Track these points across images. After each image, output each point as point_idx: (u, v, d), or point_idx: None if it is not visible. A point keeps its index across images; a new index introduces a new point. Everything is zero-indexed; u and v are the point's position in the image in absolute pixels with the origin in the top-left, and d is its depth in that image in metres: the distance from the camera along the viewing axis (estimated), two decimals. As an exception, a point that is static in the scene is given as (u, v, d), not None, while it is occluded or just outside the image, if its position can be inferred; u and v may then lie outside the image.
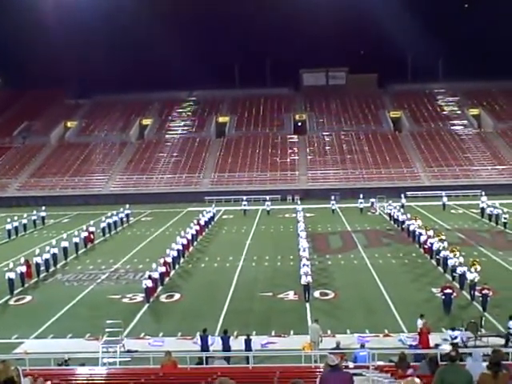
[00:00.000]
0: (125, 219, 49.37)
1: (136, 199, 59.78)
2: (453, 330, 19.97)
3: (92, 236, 41.27)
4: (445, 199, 52.96)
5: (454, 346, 17.00)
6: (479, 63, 76.36)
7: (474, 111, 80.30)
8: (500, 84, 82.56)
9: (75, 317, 25.05)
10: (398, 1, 73.52)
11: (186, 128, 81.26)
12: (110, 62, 77.81)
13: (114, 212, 48.25)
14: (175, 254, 32.73)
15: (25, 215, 48.56)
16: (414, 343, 19.79)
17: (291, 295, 26.89)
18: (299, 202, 53.86)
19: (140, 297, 27.07)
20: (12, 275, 28.68)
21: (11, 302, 27.56)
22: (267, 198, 55.96)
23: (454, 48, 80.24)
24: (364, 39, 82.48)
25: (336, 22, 78.71)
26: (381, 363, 17.12)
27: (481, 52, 78.47)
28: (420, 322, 20.32)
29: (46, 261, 32.76)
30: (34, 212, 49.95)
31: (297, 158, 70.82)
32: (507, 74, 76.57)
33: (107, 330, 20.94)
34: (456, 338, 19.56)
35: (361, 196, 52.85)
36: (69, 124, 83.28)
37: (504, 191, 57.89)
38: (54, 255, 33.84)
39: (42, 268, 32.34)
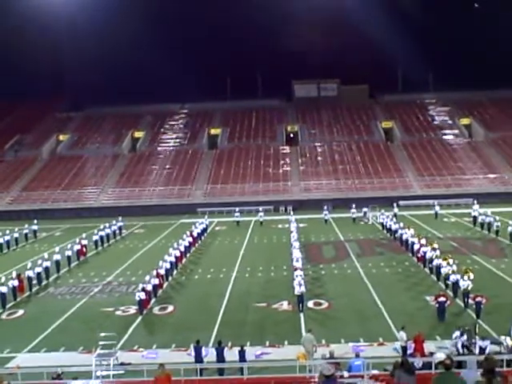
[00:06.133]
0: (117, 232, 49.19)
1: (128, 212, 59.55)
2: (459, 329, 20.00)
3: (84, 249, 41.07)
4: (437, 208, 53.18)
5: (449, 356, 16.99)
6: (469, 73, 76.89)
7: (465, 121, 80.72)
8: (490, 94, 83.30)
9: (68, 330, 24.89)
10: (388, 12, 74.13)
11: (178, 140, 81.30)
12: (101, 75, 77.96)
13: (107, 225, 48.05)
14: (168, 265, 32.61)
15: (16, 229, 48.24)
16: (408, 351, 19.75)
17: (285, 305, 26.82)
18: (292, 213, 53.87)
19: (133, 309, 26.93)
20: (4, 289, 28.47)
21: (3, 317, 27.31)
22: (260, 208, 55.94)
23: (445, 58, 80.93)
24: (355, 50, 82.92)
25: (327, 33, 79.33)
26: (376, 372, 17.09)
27: (471, 62, 79.05)
28: (403, 335, 20.19)
29: (38, 274, 32.54)
30: (26, 226, 49.71)
31: (289, 168, 70.94)
32: (497, 83, 77.33)
33: (100, 342, 20.78)
34: (461, 338, 19.60)
35: (353, 206, 52.91)
36: (61, 137, 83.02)
37: (495, 199, 58.08)
38: (46, 269, 33.63)
39: (34, 282, 32.13)
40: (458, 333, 19.92)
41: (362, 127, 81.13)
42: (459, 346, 19.53)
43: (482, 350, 18.79)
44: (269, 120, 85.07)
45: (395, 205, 53.63)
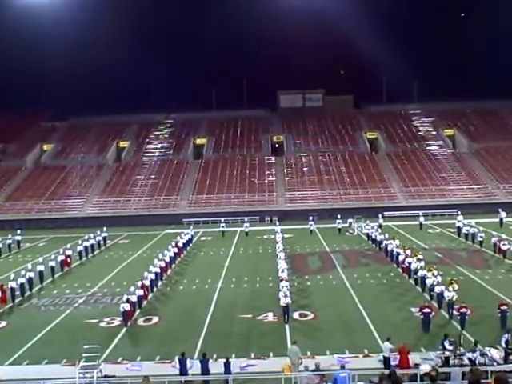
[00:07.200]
0: (102, 242, 48.79)
1: (113, 222, 59.19)
2: (445, 337, 20.08)
3: (69, 259, 40.72)
4: (422, 219, 53.42)
5: (434, 367, 17.05)
6: (454, 84, 77.63)
7: (449, 132, 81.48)
8: (473, 105, 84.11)
9: (51, 342, 24.62)
10: (373, 23, 74.69)
11: (163, 150, 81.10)
12: (86, 85, 77.68)
13: (91, 235, 47.65)
14: (153, 276, 32.41)
15: (-1, 239, 47.89)
16: (393, 363, 19.74)
17: (270, 317, 26.74)
18: (277, 223, 53.87)
19: (118, 321, 26.72)
20: (-14, 300, 28.18)
21: (-15, 328, 27.01)
22: (245, 219, 55.91)
23: (429, 69, 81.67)
24: (340, 61, 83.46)
25: (312, 44, 79.73)
26: (361, 384, 17.09)
27: (455, 73, 79.85)
28: (388, 345, 20.13)
29: (22, 285, 32.20)
30: (9, 236, 49.22)
31: (274, 179, 71.02)
32: (480, 95, 78.11)
33: (84, 355, 20.57)
34: (452, 345, 19.67)
35: (338, 216, 53.00)
36: (45, 147, 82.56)
37: (479, 210, 58.51)
38: (30, 279, 33.28)
39: (18, 293, 31.77)
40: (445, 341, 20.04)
41: (346, 137, 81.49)
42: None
43: (472, 362, 18.84)
44: (254, 130, 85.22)
45: (380, 215, 53.80)
